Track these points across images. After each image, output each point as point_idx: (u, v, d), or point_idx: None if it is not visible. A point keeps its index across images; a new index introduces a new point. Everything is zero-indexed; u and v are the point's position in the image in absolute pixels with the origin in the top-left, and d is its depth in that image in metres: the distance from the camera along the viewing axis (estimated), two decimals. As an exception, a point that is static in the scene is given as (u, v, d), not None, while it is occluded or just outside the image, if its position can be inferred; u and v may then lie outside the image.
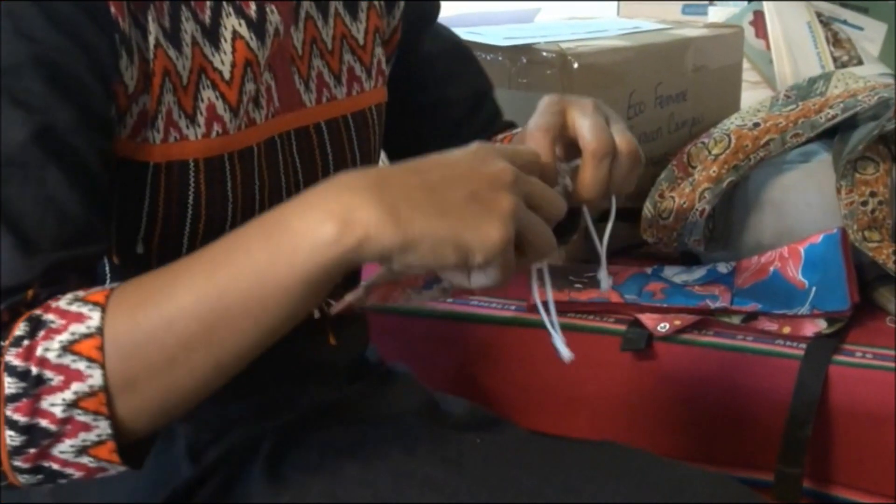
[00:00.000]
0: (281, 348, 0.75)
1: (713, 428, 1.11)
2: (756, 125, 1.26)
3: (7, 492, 0.86)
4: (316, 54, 0.90)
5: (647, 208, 1.28)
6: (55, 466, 0.68)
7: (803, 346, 1.09)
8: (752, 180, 1.26)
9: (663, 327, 1.13)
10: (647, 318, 1.14)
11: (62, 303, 0.68)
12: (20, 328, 0.67)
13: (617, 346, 1.14)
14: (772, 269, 1.19)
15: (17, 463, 0.67)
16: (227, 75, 0.81)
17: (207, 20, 0.81)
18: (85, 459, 0.68)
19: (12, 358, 0.66)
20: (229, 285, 0.67)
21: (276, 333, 0.69)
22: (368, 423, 0.88)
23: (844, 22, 1.84)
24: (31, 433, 0.66)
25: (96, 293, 0.69)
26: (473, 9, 1.83)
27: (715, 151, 1.25)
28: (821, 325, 1.11)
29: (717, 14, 1.99)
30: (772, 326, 1.13)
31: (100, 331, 0.66)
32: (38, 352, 0.66)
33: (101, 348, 0.66)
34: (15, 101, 0.71)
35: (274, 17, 0.84)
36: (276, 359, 0.77)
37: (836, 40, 1.82)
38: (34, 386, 0.66)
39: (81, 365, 0.66)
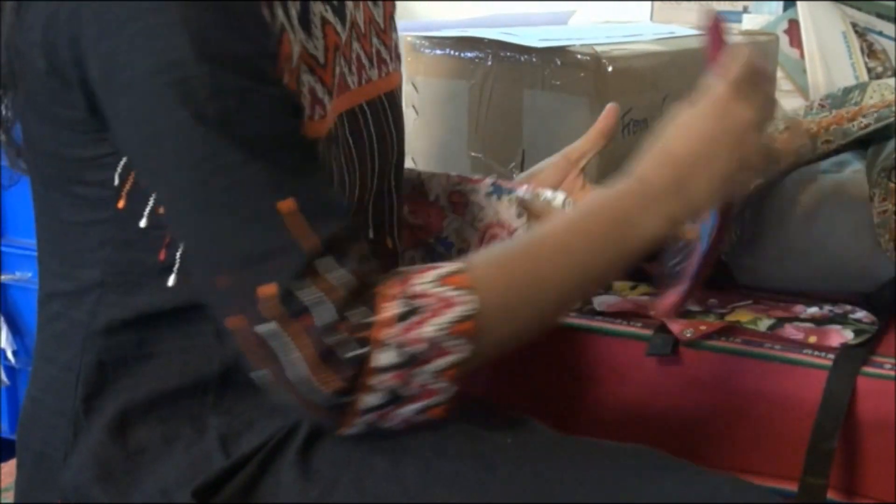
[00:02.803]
0: None
1: (738, 436, 1.11)
2: (787, 129, 1.26)
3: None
4: (355, 37, 0.92)
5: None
6: (388, 423, 0.80)
7: (831, 356, 1.08)
8: (783, 188, 1.25)
9: (689, 333, 1.12)
10: (673, 324, 1.14)
11: (428, 286, 0.77)
12: (396, 307, 0.76)
13: (643, 350, 1.13)
14: None
15: (359, 421, 0.78)
16: (321, 60, 0.84)
17: (299, 6, 0.83)
18: (420, 415, 0.80)
19: (390, 337, 0.76)
20: (587, 263, 0.83)
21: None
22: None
23: (880, 33, 1.83)
24: (394, 396, 0.78)
25: (457, 276, 0.79)
26: (508, 10, 1.83)
27: None
28: (847, 336, 1.10)
29: (751, 21, 1.98)
30: (798, 335, 1.12)
31: (477, 313, 0.77)
32: (417, 333, 0.76)
33: (478, 328, 0.78)
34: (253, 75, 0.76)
35: (349, 2, 0.87)
36: None
37: (870, 51, 1.81)
38: (412, 361, 0.77)
39: (457, 342, 0.78)
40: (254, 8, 0.76)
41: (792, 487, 1.06)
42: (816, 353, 1.09)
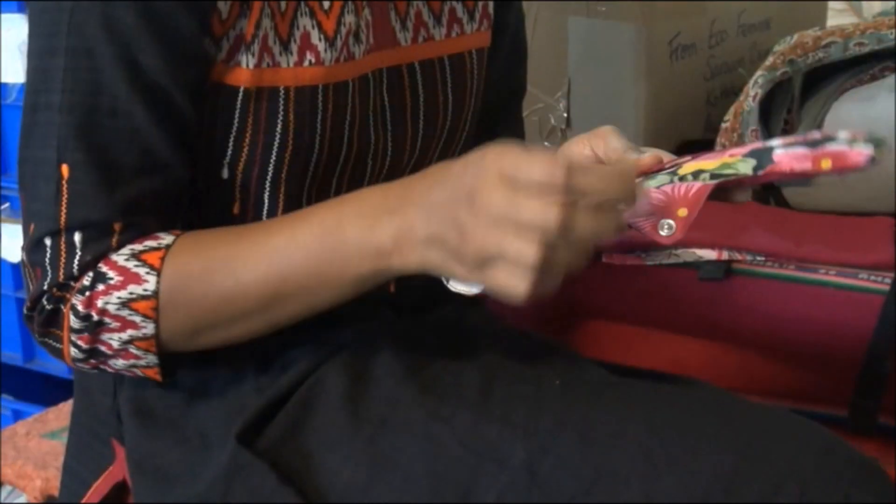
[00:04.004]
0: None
1: (790, 362, 1.11)
2: (821, 29, 1.25)
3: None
4: None
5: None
6: (109, 371, 0.82)
7: (888, 280, 1.07)
8: (836, 111, 1.24)
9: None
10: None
11: (120, 259, 0.78)
12: (86, 278, 0.78)
13: (695, 277, 1.13)
14: None
15: (80, 365, 0.81)
16: (325, 5, 0.82)
17: None
18: (135, 370, 0.82)
19: (77, 303, 0.78)
20: (288, 275, 0.77)
21: (329, 307, 0.79)
22: (445, 355, 0.87)
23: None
24: (92, 353, 0.80)
25: (152, 253, 0.78)
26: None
27: (776, 49, 1.24)
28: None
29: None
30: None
31: (155, 294, 0.77)
32: (99, 304, 0.78)
33: (155, 309, 0.78)
34: (109, 32, 0.76)
35: None
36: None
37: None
38: (95, 327, 0.78)
39: (137, 318, 0.78)
40: None
41: (842, 412, 1.06)
42: (873, 277, 1.08)
